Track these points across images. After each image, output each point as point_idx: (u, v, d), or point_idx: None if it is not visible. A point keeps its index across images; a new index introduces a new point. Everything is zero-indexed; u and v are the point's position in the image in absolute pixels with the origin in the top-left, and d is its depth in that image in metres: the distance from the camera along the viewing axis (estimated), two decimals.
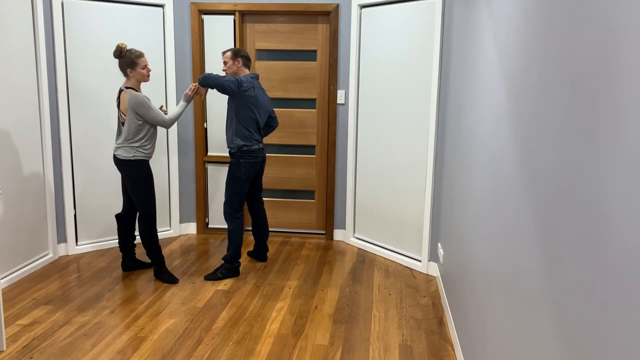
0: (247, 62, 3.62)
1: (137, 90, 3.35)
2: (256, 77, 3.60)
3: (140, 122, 3.33)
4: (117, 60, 3.39)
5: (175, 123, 4.37)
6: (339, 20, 4.22)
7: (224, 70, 3.61)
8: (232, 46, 4.36)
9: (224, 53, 3.60)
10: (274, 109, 4.47)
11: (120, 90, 3.36)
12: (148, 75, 3.38)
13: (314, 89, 4.43)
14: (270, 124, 3.78)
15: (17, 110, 3.50)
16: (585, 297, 1.07)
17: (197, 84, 3.55)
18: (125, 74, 3.35)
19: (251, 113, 3.53)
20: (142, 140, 3.36)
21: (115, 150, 3.40)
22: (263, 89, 3.66)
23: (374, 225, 4.26)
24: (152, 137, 3.43)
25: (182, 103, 3.49)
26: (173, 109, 3.88)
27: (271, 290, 3.48)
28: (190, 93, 3.52)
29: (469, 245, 2.48)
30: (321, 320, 3.06)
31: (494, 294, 1.92)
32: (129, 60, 3.31)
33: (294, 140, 4.54)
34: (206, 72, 4.37)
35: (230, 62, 3.57)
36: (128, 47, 3.34)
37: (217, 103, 4.47)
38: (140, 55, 3.33)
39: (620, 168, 0.93)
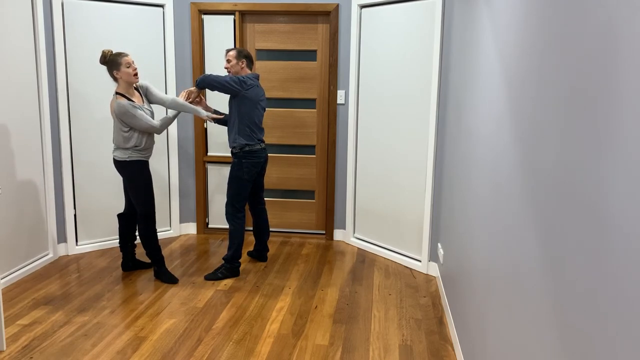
0: (250, 64, 3.62)
1: (127, 95, 3.31)
2: (257, 77, 3.60)
3: (127, 129, 3.30)
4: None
5: (175, 122, 4.37)
6: (339, 20, 4.22)
7: (226, 68, 3.61)
8: (233, 46, 4.36)
9: (227, 51, 3.60)
10: (273, 109, 4.48)
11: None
12: (135, 75, 3.31)
13: (314, 89, 4.43)
14: None
15: (17, 110, 3.50)
16: (585, 298, 1.07)
17: (189, 90, 3.55)
18: (114, 78, 3.31)
19: (253, 112, 3.54)
20: (134, 147, 3.34)
21: (113, 152, 3.40)
22: (263, 90, 3.67)
23: (374, 225, 4.26)
24: (145, 142, 3.37)
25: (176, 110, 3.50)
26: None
27: (271, 290, 3.48)
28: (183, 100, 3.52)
29: (469, 246, 2.48)
30: (321, 320, 3.06)
31: (494, 294, 1.92)
32: (111, 62, 3.27)
33: (294, 140, 4.54)
34: (205, 72, 4.37)
35: (234, 62, 3.57)
36: (114, 52, 3.30)
37: (217, 103, 4.47)
38: (124, 55, 3.28)
39: (621, 168, 0.93)
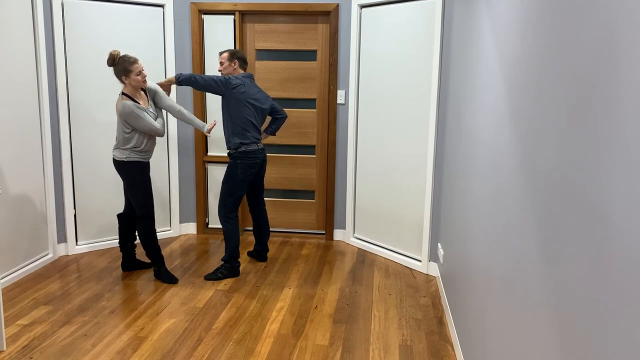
0: (243, 64, 3.63)
1: (132, 97, 3.30)
2: (249, 76, 3.59)
3: (129, 130, 3.29)
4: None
5: (175, 122, 4.37)
6: (339, 20, 4.22)
7: (219, 71, 3.63)
8: (232, 46, 4.36)
9: (220, 54, 3.62)
10: None
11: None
12: (144, 81, 3.29)
13: (314, 89, 4.43)
14: (276, 116, 3.80)
15: (17, 110, 3.50)
16: (584, 298, 1.07)
17: (160, 82, 3.52)
18: (121, 81, 3.29)
19: (242, 111, 3.52)
20: (133, 148, 3.33)
21: (113, 150, 3.40)
22: (258, 87, 3.64)
23: (374, 225, 4.26)
24: (145, 144, 3.36)
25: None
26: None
27: (271, 290, 3.48)
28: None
29: (469, 245, 2.48)
30: (321, 320, 3.06)
31: (494, 294, 1.92)
32: (122, 68, 3.22)
33: (294, 140, 4.54)
34: (205, 72, 4.37)
35: (226, 63, 3.58)
36: (121, 54, 3.24)
37: (217, 103, 4.47)
38: (134, 61, 3.23)
39: (621, 168, 0.93)
